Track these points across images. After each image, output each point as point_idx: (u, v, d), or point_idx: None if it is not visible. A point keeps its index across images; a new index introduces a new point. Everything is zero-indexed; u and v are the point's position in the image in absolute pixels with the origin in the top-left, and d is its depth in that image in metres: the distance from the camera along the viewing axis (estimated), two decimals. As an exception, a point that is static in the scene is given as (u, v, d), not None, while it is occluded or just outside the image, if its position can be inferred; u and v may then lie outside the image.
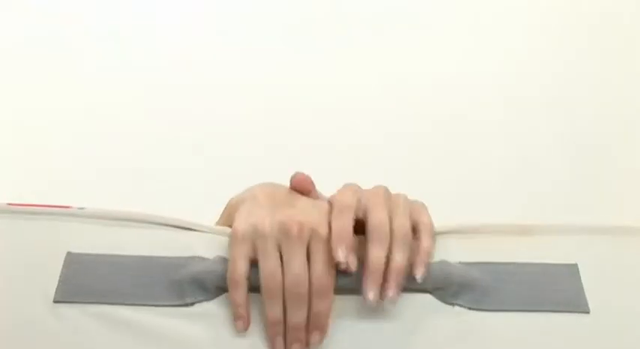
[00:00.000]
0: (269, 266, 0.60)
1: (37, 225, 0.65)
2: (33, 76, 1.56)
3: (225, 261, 0.62)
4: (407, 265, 0.61)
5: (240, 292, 0.60)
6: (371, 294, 0.59)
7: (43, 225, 0.66)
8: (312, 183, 0.69)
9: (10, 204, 0.66)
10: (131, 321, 0.60)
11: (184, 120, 1.54)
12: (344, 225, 0.60)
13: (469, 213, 1.21)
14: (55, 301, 0.60)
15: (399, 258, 0.60)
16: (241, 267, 0.60)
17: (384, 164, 1.44)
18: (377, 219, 0.60)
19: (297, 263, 0.59)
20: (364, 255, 0.60)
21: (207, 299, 0.62)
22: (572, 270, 0.65)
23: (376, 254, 0.59)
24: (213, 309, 0.61)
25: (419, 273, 0.61)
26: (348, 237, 0.60)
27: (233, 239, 0.62)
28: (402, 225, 0.61)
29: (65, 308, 0.60)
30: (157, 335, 0.60)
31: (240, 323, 0.60)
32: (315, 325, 0.60)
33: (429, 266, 0.61)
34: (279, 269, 0.59)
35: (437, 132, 1.55)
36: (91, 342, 0.59)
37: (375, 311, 0.61)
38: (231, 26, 1.60)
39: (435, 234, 0.64)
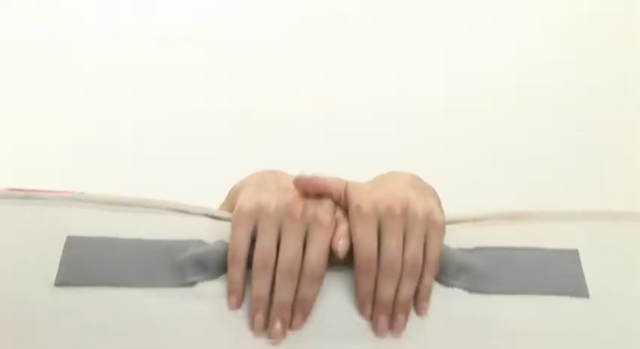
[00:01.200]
0: (265, 243, 0.60)
1: (38, 209, 0.65)
2: (32, 75, 1.56)
3: (226, 244, 0.62)
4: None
5: (238, 270, 0.61)
6: (381, 325, 0.61)
7: (44, 210, 0.65)
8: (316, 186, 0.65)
9: (11, 190, 0.66)
10: (132, 303, 0.60)
11: (185, 113, 1.54)
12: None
13: (469, 203, 1.22)
14: (57, 284, 0.60)
15: (408, 290, 0.61)
16: (242, 245, 0.61)
17: (385, 154, 1.44)
18: (390, 252, 0.60)
19: (293, 244, 0.60)
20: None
21: (209, 279, 0.62)
22: (573, 256, 0.66)
23: (388, 289, 0.60)
24: (215, 289, 0.61)
25: (422, 312, 0.62)
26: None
27: (237, 215, 0.62)
28: (414, 255, 0.61)
29: (66, 291, 0.60)
30: (159, 315, 0.60)
31: (233, 298, 0.61)
32: (300, 308, 0.60)
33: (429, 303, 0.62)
34: (275, 249, 0.60)
35: (439, 123, 1.55)
36: (93, 324, 0.59)
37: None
38: (232, 20, 1.60)
39: (437, 268, 0.63)
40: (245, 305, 0.61)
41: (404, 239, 0.61)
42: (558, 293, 0.63)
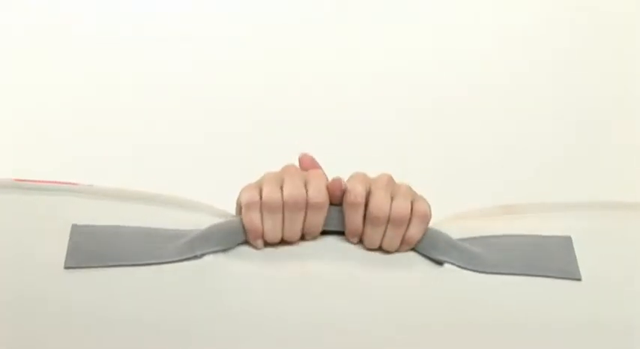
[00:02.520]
0: (268, 189, 0.64)
1: (43, 199, 0.67)
2: (32, 67, 1.55)
3: (227, 221, 0.65)
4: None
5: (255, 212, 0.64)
6: None
7: (49, 200, 0.67)
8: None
9: (16, 180, 0.67)
10: (141, 279, 0.62)
11: (186, 103, 1.54)
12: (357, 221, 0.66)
13: (463, 193, 1.22)
14: (66, 267, 0.62)
15: (393, 238, 0.65)
16: (255, 195, 0.64)
17: (381, 144, 1.45)
18: (378, 201, 0.65)
19: (294, 183, 0.65)
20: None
21: (217, 251, 0.63)
22: (566, 241, 0.67)
23: (374, 236, 0.65)
24: (224, 261, 0.63)
25: (401, 251, 0.66)
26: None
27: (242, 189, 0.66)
28: (402, 206, 0.65)
29: (76, 273, 0.61)
30: (168, 290, 0.61)
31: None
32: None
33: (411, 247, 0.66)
34: (279, 191, 0.64)
35: (434, 110, 1.56)
36: (104, 302, 0.60)
37: (366, 271, 0.65)
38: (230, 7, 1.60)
39: (427, 224, 0.67)
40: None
41: (391, 199, 0.66)
42: (550, 276, 0.65)
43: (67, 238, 0.63)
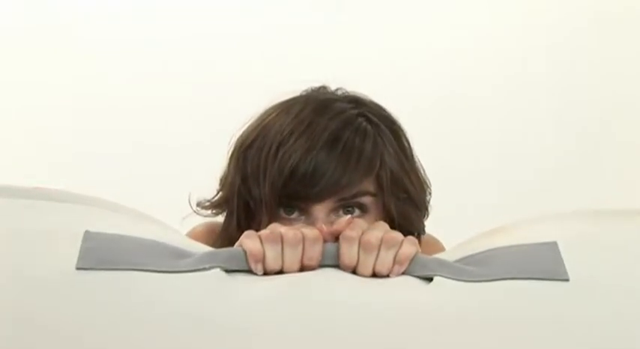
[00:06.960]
0: (269, 231, 0.70)
1: (60, 206, 0.72)
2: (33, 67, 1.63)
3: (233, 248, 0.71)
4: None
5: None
6: None
7: (65, 208, 0.72)
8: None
9: (36, 188, 0.73)
10: (151, 282, 0.65)
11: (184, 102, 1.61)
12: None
13: (463, 193, 1.24)
14: (78, 268, 0.65)
15: (384, 261, 0.69)
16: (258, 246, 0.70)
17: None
18: (371, 231, 0.70)
19: (289, 229, 0.70)
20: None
21: (223, 268, 0.67)
22: (552, 246, 0.70)
23: (367, 262, 0.70)
24: (229, 277, 0.67)
25: (393, 273, 0.70)
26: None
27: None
28: (394, 233, 0.71)
29: (87, 274, 0.65)
30: (177, 294, 0.65)
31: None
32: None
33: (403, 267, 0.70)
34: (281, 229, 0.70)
35: (435, 108, 1.62)
36: (111, 302, 0.64)
37: (361, 285, 0.69)
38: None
39: (417, 247, 0.71)
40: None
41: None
42: (539, 278, 0.67)
43: (80, 242, 0.67)
